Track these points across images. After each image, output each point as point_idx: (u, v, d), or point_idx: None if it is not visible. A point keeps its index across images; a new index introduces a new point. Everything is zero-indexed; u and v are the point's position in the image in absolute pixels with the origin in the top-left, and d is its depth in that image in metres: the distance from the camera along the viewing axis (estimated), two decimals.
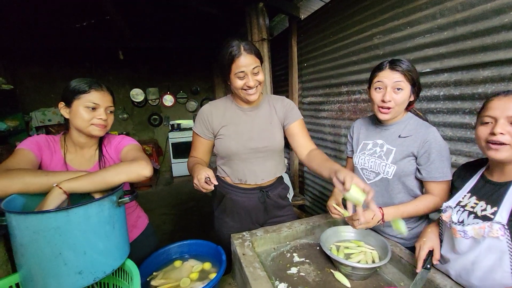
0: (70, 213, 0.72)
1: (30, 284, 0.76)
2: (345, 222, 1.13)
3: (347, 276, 1.03)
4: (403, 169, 1.15)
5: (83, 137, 1.10)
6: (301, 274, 1.08)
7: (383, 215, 1.09)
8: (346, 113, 2.54)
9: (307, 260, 1.16)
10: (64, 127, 1.13)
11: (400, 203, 1.16)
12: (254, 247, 1.21)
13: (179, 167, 5.74)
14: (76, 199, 0.88)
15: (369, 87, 1.21)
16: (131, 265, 0.89)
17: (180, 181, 5.62)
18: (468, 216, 0.87)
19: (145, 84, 5.84)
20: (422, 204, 1.12)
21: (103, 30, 3.94)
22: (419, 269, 0.95)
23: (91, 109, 1.03)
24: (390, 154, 1.18)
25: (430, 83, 1.67)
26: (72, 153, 1.11)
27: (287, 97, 3.48)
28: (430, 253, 0.98)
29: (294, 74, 3.34)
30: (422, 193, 1.19)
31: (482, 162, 0.98)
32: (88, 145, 1.13)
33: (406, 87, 1.10)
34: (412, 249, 1.06)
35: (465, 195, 0.94)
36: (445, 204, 0.98)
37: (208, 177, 1.02)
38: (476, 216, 0.85)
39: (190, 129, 5.65)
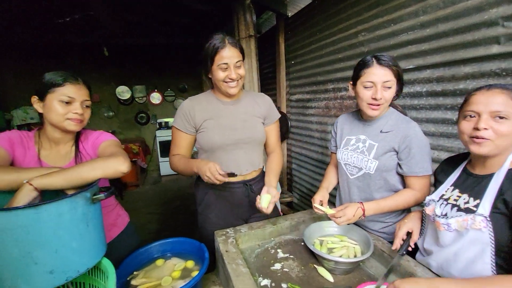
0: (39, 210, 0.69)
1: None
2: (329, 217, 1.14)
3: (330, 271, 1.03)
4: (385, 164, 1.15)
5: (58, 132, 1.05)
6: (285, 270, 1.07)
7: (364, 210, 1.10)
8: (333, 110, 2.55)
9: (291, 256, 1.16)
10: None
11: (381, 198, 1.17)
12: (238, 243, 1.19)
13: (167, 165, 5.56)
14: (51, 197, 0.84)
15: (354, 83, 1.20)
16: (107, 264, 0.86)
17: (168, 180, 5.54)
18: (452, 209, 0.88)
19: (132, 81, 5.72)
20: (402, 199, 1.13)
21: (88, 25, 3.83)
22: (395, 246, 1.00)
23: (65, 103, 1.00)
24: (372, 149, 1.18)
25: (413, 79, 1.68)
26: (47, 149, 1.07)
27: (275, 94, 3.51)
28: (409, 237, 1.02)
29: (282, 72, 3.33)
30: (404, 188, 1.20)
31: (464, 156, 1.00)
32: (64, 140, 1.09)
33: (394, 84, 1.11)
34: None
35: (448, 188, 0.95)
36: (428, 198, 0.99)
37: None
38: (459, 209, 0.86)
39: None
